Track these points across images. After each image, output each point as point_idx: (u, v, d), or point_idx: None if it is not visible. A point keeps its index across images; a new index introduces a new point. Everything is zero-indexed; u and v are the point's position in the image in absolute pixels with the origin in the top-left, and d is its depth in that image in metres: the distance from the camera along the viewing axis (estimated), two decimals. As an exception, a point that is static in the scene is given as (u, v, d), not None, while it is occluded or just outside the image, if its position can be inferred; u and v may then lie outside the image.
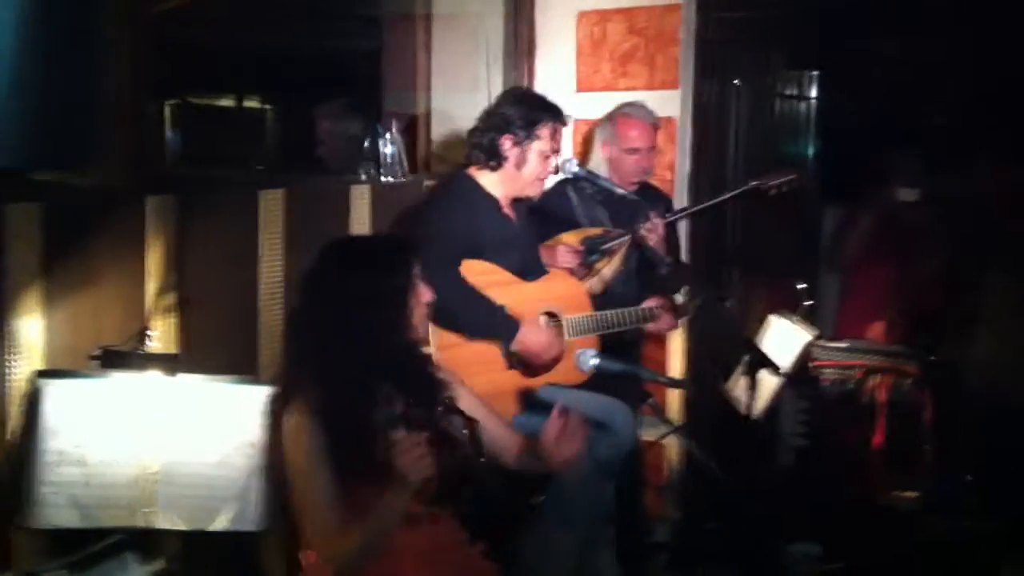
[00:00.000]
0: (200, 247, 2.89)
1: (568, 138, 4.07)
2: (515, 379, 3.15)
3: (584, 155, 3.94)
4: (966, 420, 3.63)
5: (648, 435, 3.68)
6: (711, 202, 3.73)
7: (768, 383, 3.45)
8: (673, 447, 4.07)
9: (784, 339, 3.65)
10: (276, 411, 2.32)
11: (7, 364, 2.38)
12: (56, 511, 2.32)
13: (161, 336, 2.76)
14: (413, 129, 4.29)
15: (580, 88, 4.23)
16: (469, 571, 2.39)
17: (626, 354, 3.50)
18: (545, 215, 3.54)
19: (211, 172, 4.00)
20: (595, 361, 2.70)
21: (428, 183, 3.80)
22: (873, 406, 3.52)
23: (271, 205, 3.16)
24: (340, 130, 4.17)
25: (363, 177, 3.73)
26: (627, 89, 4.07)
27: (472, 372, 2.83)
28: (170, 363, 2.51)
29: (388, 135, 3.83)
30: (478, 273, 3.09)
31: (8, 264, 2.37)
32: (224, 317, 3.00)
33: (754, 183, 3.60)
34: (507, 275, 3.17)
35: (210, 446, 2.42)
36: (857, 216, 4.67)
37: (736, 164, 5.59)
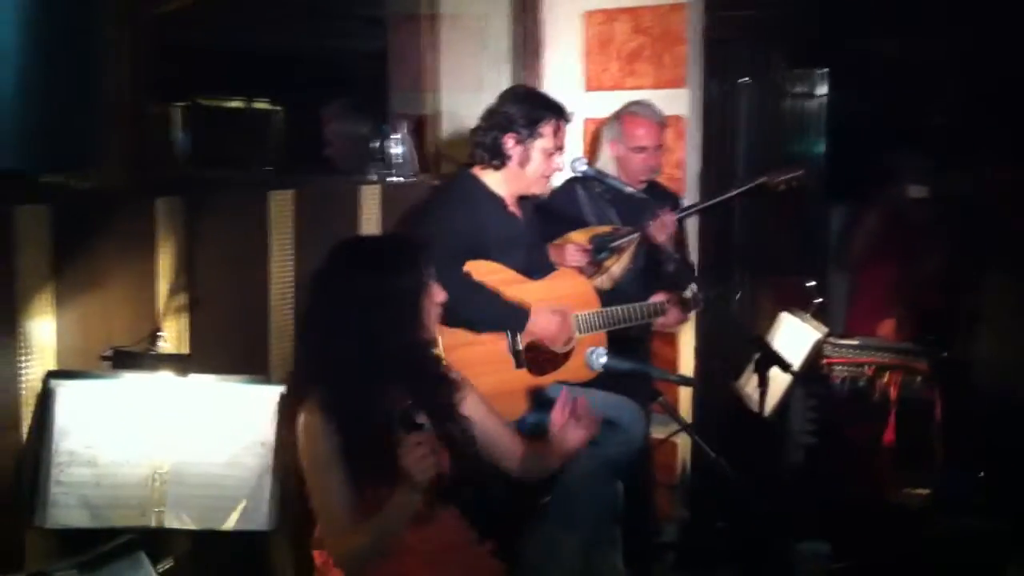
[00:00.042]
0: (210, 248, 2.90)
1: (577, 137, 4.08)
2: (524, 378, 3.15)
3: (593, 154, 3.93)
4: (977, 417, 3.62)
5: (657, 433, 3.68)
6: (720, 198, 3.72)
7: (778, 381, 3.45)
8: (683, 445, 4.07)
9: (794, 336, 3.64)
10: (288, 411, 2.33)
11: (19, 365, 2.39)
12: (67, 511, 2.34)
13: (172, 336, 2.77)
14: (421, 129, 4.29)
15: (589, 87, 4.23)
16: (477, 570, 2.39)
17: (635, 352, 3.51)
18: (553, 214, 3.55)
19: (221, 173, 4.02)
20: (604, 359, 2.70)
21: (436, 183, 3.80)
22: (884, 403, 3.51)
23: (281, 206, 3.17)
24: (348, 131, 4.17)
25: (373, 177, 3.74)
26: (635, 88, 4.07)
27: (481, 372, 2.84)
28: (181, 363, 2.53)
29: (398, 135, 3.84)
30: (484, 272, 3.09)
31: (19, 266, 2.38)
32: (234, 317, 3.01)
33: (762, 179, 3.60)
34: (513, 274, 3.17)
35: (220, 446, 2.44)
36: (866, 213, 4.66)
37: (744, 162, 5.59)
